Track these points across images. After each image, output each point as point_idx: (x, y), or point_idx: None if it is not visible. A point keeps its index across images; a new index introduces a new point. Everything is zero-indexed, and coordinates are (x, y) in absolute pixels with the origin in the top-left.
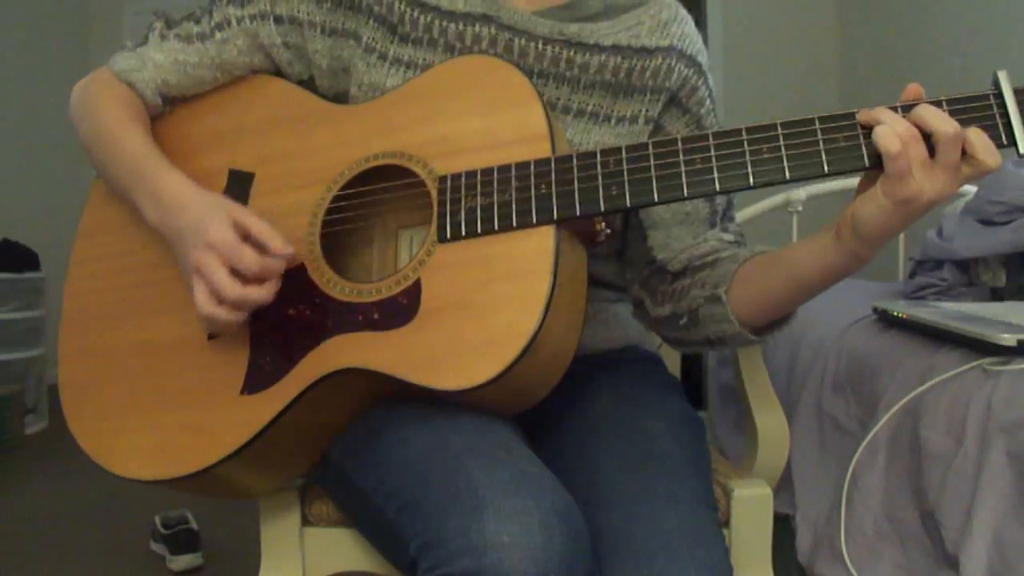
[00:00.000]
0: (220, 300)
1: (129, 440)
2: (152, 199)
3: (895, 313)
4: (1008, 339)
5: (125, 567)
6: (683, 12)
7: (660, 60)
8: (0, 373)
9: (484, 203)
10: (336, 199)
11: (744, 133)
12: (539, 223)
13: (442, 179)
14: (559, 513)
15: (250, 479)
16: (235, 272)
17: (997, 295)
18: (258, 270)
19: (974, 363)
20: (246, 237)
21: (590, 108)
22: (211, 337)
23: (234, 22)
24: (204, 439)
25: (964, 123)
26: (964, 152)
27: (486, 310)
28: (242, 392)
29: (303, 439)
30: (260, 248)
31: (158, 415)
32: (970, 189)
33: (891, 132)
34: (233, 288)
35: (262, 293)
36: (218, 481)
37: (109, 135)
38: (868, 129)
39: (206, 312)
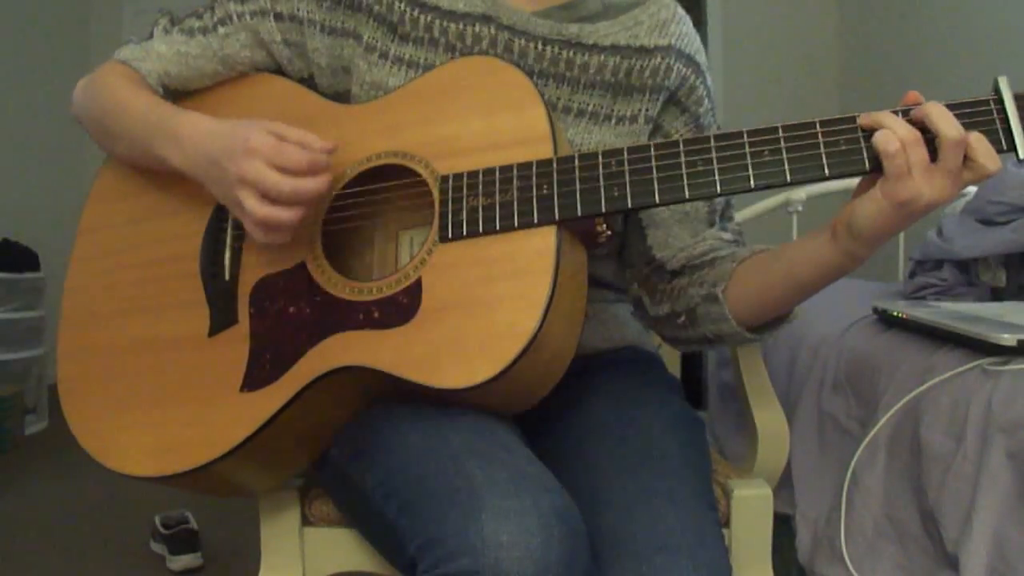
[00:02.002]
0: (274, 199)
1: (129, 437)
2: (174, 142)
3: (895, 313)
4: (1008, 339)
5: (125, 567)
6: (681, 12)
7: (659, 60)
8: (0, 373)
9: (486, 203)
10: (337, 198)
11: (745, 136)
12: (540, 223)
13: (444, 179)
14: (558, 513)
15: (250, 476)
16: (283, 171)
17: (997, 295)
18: (307, 163)
19: (974, 363)
20: (283, 141)
21: (590, 108)
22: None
23: (235, 18)
24: (204, 436)
25: (965, 128)
26: (965, 157)
27: (487, 309)
28: (242, 389)
29: (302, 437)
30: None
31: (158, 412)
32: (970, 189)
33: (891, 133)
34: (286, 182)
35: (318, 182)
36: (218, 478)
37: (118, 104)
38: (869, 132)
39: (261, 214)
